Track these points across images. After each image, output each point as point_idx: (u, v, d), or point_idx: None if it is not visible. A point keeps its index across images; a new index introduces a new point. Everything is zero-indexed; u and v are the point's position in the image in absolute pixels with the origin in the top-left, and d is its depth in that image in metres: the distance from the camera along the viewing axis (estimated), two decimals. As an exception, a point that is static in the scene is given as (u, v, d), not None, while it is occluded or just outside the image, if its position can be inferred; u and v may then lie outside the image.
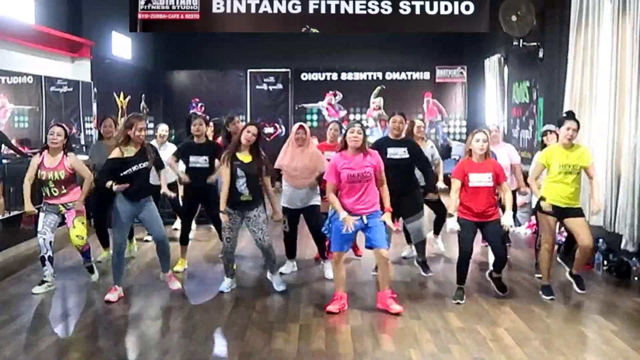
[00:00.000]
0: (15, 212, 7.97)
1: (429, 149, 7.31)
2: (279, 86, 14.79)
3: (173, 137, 11.14)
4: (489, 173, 5.77)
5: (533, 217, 8.48)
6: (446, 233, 7.60)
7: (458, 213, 5.80)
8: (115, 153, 5.83)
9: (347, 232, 5.45)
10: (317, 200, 6.72)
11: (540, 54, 9.62)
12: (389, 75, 14.63)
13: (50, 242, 6.16)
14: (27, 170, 6.21)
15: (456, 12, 9.13)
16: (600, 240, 7.06)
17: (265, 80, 14.81)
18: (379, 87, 14.62)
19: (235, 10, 9.21)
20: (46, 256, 6.16)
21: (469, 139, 5.95)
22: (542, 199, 5.88)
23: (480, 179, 5.75)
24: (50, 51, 9.84)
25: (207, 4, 9.19)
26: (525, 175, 7.15)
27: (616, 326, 5.26)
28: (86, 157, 7.49)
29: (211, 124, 8.28)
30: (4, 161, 8.09)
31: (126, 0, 9.18)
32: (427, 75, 14.61)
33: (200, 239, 8.69)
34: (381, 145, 6.35)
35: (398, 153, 6.44)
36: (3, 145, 8.30)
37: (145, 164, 5.93)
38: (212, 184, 6.90)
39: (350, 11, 9.21)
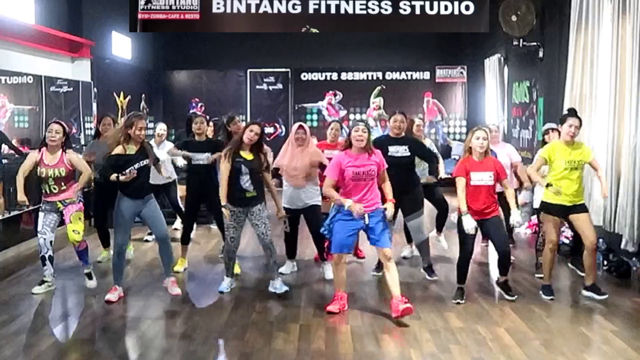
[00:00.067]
0: (15, 212, 7.99)
1: (428, 147, 7.31)
2: (279, 86, 14.79)
3: (173, 137, 11.15)
4: (490, 171, 5.77)
5: (533, 217, 8.50)
6: (448, 231, 7.64)
7: (460, 212, 5.81)
8: (117, 150, 5.83)
9: (358, 217, 5.37)
10: (317, 201, 6.71)
11: (540, 54, 9.63)
12: (389, 75, 14.63)
13: (51, 242, 6.16)
14: (23, 163, 6.21)
15: (456, 12, 9.11)
16: (600, 240, 7.05)
17: (265, 80, 14.80)
18: (379, 87, 14.62)
19: (235, 10, 9.19)
20: (46, 256, 6.16)
21: (468, 137, 5.94)
22: (548, 185, 5.86)
23: (482, 178, 5.75)
24: (50, 51, 9.83)
25: (207, 4, 9.18)
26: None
27: (616, 326, 5.26)
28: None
29: (211, 123, 8.29)
30: (4, 161, 8.10)
31: (126, 0, 9.17)
32: (427, 75, 14.60)
33: (200, 239, 8.69)
34: (382, 144, 6.35)
35: (399, 151, 6.45)
36: (3, 145, 8.30)
37: (145, 162, 5.95)
38: (214, 184, 6.90)
39: (350, 11, 9.19)
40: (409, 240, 7.49)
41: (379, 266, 6.69)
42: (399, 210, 6.63)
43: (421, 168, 6.99)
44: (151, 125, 12.50)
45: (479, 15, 9.13)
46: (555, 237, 6.02)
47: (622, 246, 6.83)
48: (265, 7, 9.18)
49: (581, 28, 7.88)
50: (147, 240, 8.43)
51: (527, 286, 6.42)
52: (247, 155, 6.00)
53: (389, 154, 6.28)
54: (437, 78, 14.59)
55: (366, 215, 5.46)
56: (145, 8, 9.20)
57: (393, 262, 5.56)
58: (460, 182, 5.75)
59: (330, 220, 5.62)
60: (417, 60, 14.60)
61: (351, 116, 14.56)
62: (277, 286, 6.09)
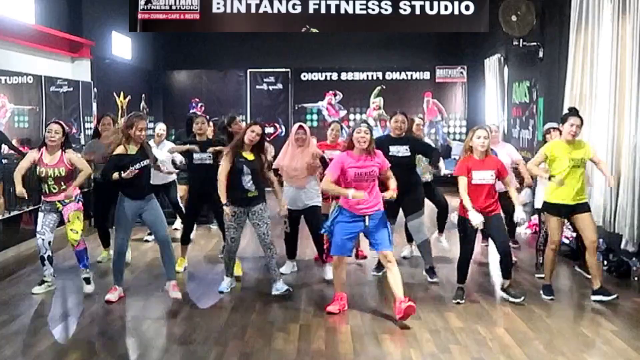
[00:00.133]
0: (15, 212, 7.99)
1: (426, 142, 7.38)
2: (279, 86, 14.79)
3: (172, 136, 11.14)
4: (492, 170, 5.77)
5: (533, 217, 8.50)
6: (448, 231, 7.64)
7: (460, 212, 5.81)
8: (119, 150, 5.83)
9: (365, 203, 5.35)
10: (318, 202, 6.71)
11: (540, 54, 9.62)
12: (389, 75, 14.63)
13: (49, 242, 6.15)
14: (21, 162, 6.20)
15: (456, 12, 9.11)
16: (600, 240, 7.05)
17: (265, 80, 14.80)
18: (379, 87, 14.62)
19: (235, 10, 9.19)
20: (45, 256, 6.16)
21: (469, 135, 5.92)
22: (551, 177, 5.85)
23: (483, 177, 5.74)
24: (50, 51, 9.84)
25: (207, 4, 9.18)
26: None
27: (616, 326, 5.26)
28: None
29: (211, 123, 8.29)
30: (4, 161, 8.10)
31: (126, 0, 9.17)
32: (427, 75, 14.60)
33: (200, 239, 8.69)
34: (383, 144, 6.35)
35: (400, 151, 6.45)
36: (3, 145, 8.31)
37: (146, 162, 5.95)
38: (216, 184, 6.89)
39: (350, 11, 9.19)
40: (409, 239, 7.49)
41: (379, 266, 6.69)
42: (400, 210, 6.64)
43: (421, 167, 6.99)
44: (151, 125, 12.51)
45: (479, 15, 9.13)
46: (557, 238, 6.02)
47: (622, 246, 6.82)
48: (265, 7, 9.18)
49: (581, 28, 7.88)
50: (147, 241, 8.43)
51: (527, 286, 6.42)
52: (248, 155, 6.01)
53: (390, 154, 6.27)
54: (437, 78, 14.59)
55: (367, 218, 5.45)
56: (145, 8, 9.21)
57: (395, 263, 5.53)
58: (462, 181, 5.73)
59: (331, 222, 5.60)
60: (417, 60, 14.60)
61: (351, 116, 14.56)
62: (279, 287, 6.09)
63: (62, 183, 6.14)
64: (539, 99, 9.79)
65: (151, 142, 8.08)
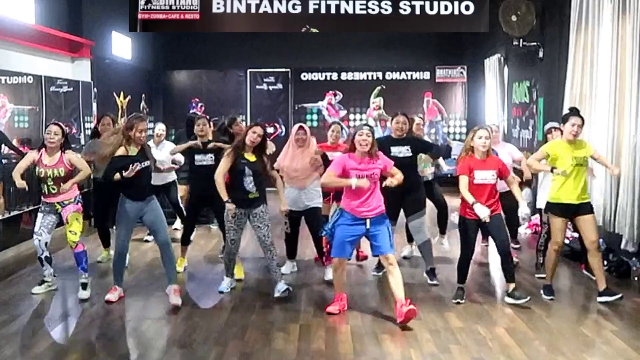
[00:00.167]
0: (15, 212, 7.99)
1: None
2: (279, 86, 14.79)
3: (172, 137, 11.14)
4: (493, 170, 5.77)
5: (533, 217, 8.50)
6: (448, 232, 7.64)
7: (461, 212, 5.81)
8: (120, 151, 5.83)
9: (368, 190, 5.34)
10: (318, 203, 6.71)
11: (540, 54, 9.62)
12: (389, 75, 14.62)
13: (46, 244, 6.11)
14: (20, 162, 6.19)
15: (456, 12, 9.10)
16: (600, 240, 7.05)
17: (265, 80, 14.79)
18: (378, 87, 14.61)
19: (235, 10, 9.19)
20: (43, 257, 6.13)
21: (469, 136, 5.91)
22: (553, 169, 5.84)
23: (485, 176, 5.74)
24: (50, 51, 9.83)
25: (207, 4, 9.17)
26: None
27: (616, 326, 5.26)
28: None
29: (211, 123, 8.28)
30: (4, 161, 8.10)
31: (126, 0, 9.17)
32: (427, 75, 14.59)
33: (200, 239, 8.69)
34: (384, 145, 6.34)
35: (401, 152, 6.44)
36: (3, 145, 8.30)
37: (146, 163, 5.95)
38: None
39: (350, 11, 9.19)
40: (410, 239, 7.49)
41: (379, 266, 6.68)
42: (400, 211, 6.64)
43: (421, 166, 6.99)
44: (151, 125, 12.51)
45: (479, 15, 9.13)
46: (560, 239, 6.00)
47: (622, 246, 6.82)
48: (265, 7, 9.17)
49: (581, 28, 7.88)
50: (147, 241, 8.42)
51: (527, 286, 6.41)
52: (250, 156, 6.00)
53: (392, 154, 6.27)
54: (437, 78, 14.58)
55: (368, 221, 5.44)
56: (145, 8, 9.20)
57: (396, 266, 5.51)
58: (463, 180, 5.71)
59: (332, 225, 5.60)
60: (417, 60, 14.59)
61: (351, 116, 14.56)
62: (280, 288, 6.07)
63: (62, 184, 6.13)
64: (539, 99, 9.79)
65: (150, 143, 8.08)
